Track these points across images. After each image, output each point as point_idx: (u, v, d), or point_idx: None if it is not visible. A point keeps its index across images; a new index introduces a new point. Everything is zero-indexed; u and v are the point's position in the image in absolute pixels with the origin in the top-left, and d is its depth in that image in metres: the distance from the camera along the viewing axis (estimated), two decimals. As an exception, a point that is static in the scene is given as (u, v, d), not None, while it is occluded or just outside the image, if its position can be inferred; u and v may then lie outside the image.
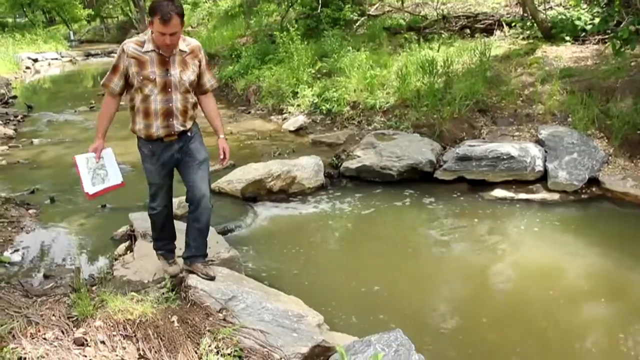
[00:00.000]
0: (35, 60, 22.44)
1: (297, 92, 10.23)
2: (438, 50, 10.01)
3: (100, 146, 3.59)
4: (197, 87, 3.73)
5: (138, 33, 28.82)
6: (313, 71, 10.49)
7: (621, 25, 7.04)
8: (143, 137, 3.64)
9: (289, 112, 9.99)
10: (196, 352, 3.12)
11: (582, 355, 3.85)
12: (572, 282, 4.79)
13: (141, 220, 4.90)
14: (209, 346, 3.13)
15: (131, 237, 4.96)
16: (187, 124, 3.67)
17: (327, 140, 8.36)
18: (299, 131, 9.16)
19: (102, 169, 3.62)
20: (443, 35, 10.86)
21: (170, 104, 3.54)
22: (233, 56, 13.64)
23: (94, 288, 4.02)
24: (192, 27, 22.77)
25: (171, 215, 4.04)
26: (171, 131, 3.60)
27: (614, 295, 4.53)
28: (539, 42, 9.65)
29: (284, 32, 11.57)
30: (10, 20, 37.04)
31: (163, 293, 3.66)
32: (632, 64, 7.94)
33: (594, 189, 6.35)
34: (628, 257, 5.06)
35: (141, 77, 3.45)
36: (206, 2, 24.64)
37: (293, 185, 6.47)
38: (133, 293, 3.64)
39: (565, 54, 8.99)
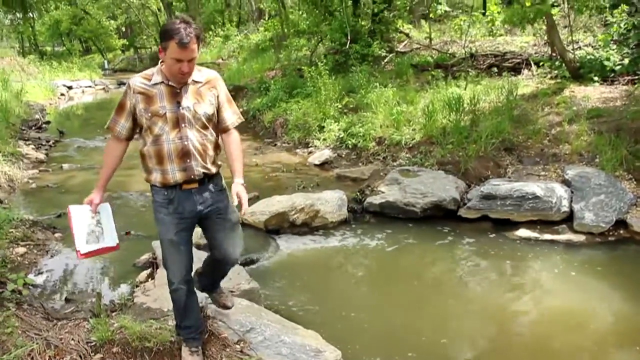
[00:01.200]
0: (70, 88, 23.11)
1: (323, 127, 10.32)
2: (465, 88, 10.06)
3: (98, 199, 3.17)
4: (219, 124, 3.23)
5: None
6: (340, 106, 10.60)
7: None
8: (158, 185, 3.13)
9: (315, 146, 10.07)
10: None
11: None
12: (598, 328, 4.67)
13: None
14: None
15: (153, 264, 5.02)
16: (209, 167, 3.15)
17: (351, 175, 8.38)
18: (324, 165, 9.21)
19: (97, 225, 3.16)
20: (470, 73, 10.91)
21: (186, 142, 3.03)
22: (262, 89, 13.86)
23: (113, 314, 4.06)
24: (222, 59, 23.25)
25: (194, 294, 3.42)
26: (190, 175, 3.08)
27: (637, 341, 4.40)
28: (567, 81, 9.65)
29: (313, 67, 11.73)
30: (49, 48, 38.34)
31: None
32: (662, 105, 7.87)
33: (621, 232, 6.24)
34: (656, 303, 4.94)
35: (149, 114, 2.99)
36: (237, 35, 25.17)
37: (316, 219, 6.48)
38: (152, 321, 3.66)
39: (593, 94, 8.95)
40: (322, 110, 10.63)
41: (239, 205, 3.15)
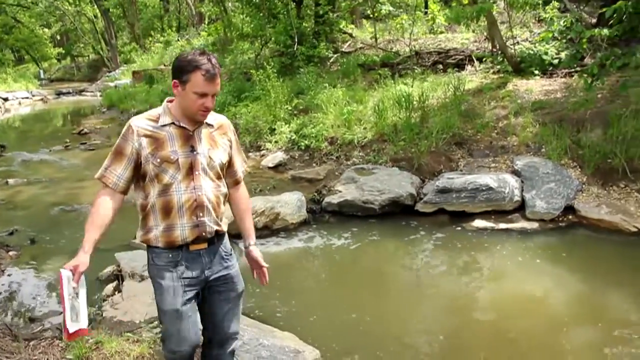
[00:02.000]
0: (6, 100, 22.36)
1: (274, 129, 10.33)
2: (412, 86, 10.26)
3: (84, 266, 2.49)
4: (229, 175, 2.87)
5: (110, 72, 28.95)
6: (290, 108, 10.63)
7: (592, 62, 7.34)
8: (160, 245, 2.65)
9: (267, 149, 10.07)
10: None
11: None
12: (554, 309, 4.89)
13: (128, 260, 4.91)
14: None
15: (118, 277, 4.94)
16: (221, 224, 2.75)
17: (306, 176, 8.43)
18: (278, 167, 9.22)
19: (76, 299, 2.49)
20: (416, 71, 11.15)
21: (200, 193, 2.63)
22: (209, 94, 13.74)
23: (85, 330, 3.98)
24: (165, 66, 22.91)
25: None
26: (202, 232, 2.65)
27: (594, 320, 4.65)
28: (510, 76, 9.98)
29: (260, 70, 11.73)
30: (-23, 59, 36.83)
31: (157, 333, 3.65)
32: (599, 95, 8.25)
33: (570, 217, 6.53)
34: (605, 282, 5.23)
35: (158, 160, 2.57)
36: (178, 40, 24.86)
37: (277, 221, 6.51)
38: (129, 334, 3.63)
39: (535, 87, 9.29)
40: (272, 113, 10.64)
41: (261, 276, 2.95)
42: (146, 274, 3.31)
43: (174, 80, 2.57)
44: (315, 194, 7.44)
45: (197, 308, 2.76)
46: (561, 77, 9.59)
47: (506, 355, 4.23)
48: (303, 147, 9.47)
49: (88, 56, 36.30)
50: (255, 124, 10.74)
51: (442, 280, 5.49)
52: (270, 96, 10.88)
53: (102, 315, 4.22)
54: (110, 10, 31.21)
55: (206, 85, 2.52)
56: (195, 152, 2.62)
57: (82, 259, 2.49)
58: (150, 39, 28.33)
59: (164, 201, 2.61)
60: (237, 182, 2.93)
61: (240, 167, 2.93)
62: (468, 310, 4.94)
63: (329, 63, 13.51)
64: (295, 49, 12.85)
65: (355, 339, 4.38)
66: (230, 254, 2.84)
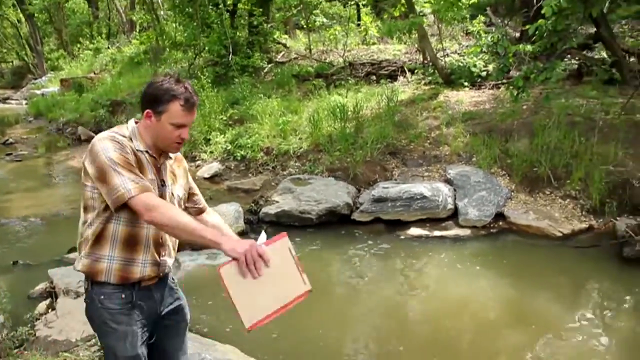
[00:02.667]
0: None
1: (209, 139, 10.25)
2: (346, 96, 10.40)
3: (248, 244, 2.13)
4: (192, 204, 2.66)
5: (36, 79, 27.87)
6: (225, 118, 10.58)
7: (517, 75, 7.68)
8: (113, 282, 2.34)
9: (202, 159, 9.98)
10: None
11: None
12: (485, 312, 5.09)
13: (61, 276, 4.76)
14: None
15: (51, 294, 4.76)
16: (173, 262, 2.60)
17: (243, 187, 8.40)
18: (213, 178, 9.14)
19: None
20: (350, 82, 11.32)
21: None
22: (141, 104, 13.47)
23: (15, 351, 3.82)
24: (95, 73, 22.29)
25: None
26: (161, 271, 2.45)
27: (521, 322, 4.87)
28: (440, 87, 10.29)
29: (194, 80, 11.61)
30: None
31: (95, 351, 3.55)
32: (525, 107, 8.63)
33: (500, 223, 6.77)
34: (532, 285, 5.47)
35: None
36: (109, 48, 24.27)
37: (214, 232, 6.45)
38: (66, 354, 3.51)
39: (465, 98, 9.62)
40: (206, 123, 10.55)
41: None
42: (82, 289, 2.84)
43: (148, 110, 2.33)
44: (252, 205, 7.43)
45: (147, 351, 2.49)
46: (489, 89, 9.97)
47: (440, 357, 4.34)
48: (239, 158, 9.43)
49: (12, 62, 34.80)
50: (190, 135, 10.58)
51: (379, 287, 5.58)
52: (204, 106, 10.78)
53: (34, 334, 4.06)
54: (36, 15, 30.10)
55: (185, 115, 2.33)
56: (164, 187, 2.42)
57: (243, 240, 2.17)
58: (78, 45, 27.46)
59: (130, 233, 2.33)
60: (202, 211, 2.70)
61: (202, 197, 2.73)
62: (404, 315, 5.08)
63: (263, 73, 13.52)
64: (229, 58, 12.79)
65: (296, 348, 4.39)
66: (175, 282, 2.64)
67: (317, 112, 9.52)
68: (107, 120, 13.10)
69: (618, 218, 6.44)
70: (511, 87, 7.26)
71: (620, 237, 6.05)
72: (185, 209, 2.57)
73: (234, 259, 2.09)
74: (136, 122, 2.42)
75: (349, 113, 9.28)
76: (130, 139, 2.34)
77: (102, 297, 2.34)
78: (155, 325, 2.50)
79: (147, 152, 2.37)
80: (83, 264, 2.35)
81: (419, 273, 5.88)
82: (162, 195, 2.37)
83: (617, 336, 4.67)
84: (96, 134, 9.89)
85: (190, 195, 2.64)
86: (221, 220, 2.75)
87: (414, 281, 5.72)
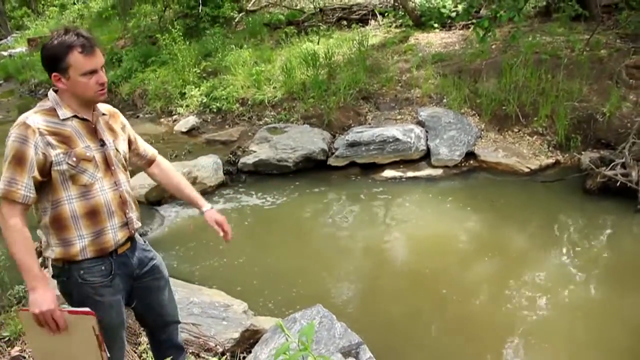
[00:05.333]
0: None
1: (184, 93, 10.26)
2: (318, 43, 10.42)
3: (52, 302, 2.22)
4: (139, 159, 2.70)
5: (0, 39, 27.07)
6: (198, 71, 10.57)
7: (482, 16, 7.77)
8: (90, 256, 2.34)
9: (179, 114, 10.01)
10: (135, 352, 3.27)
11: (476, 305, 4.38)
12: (460, 246, 5.39)
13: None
14: (147, 344, 3.28)
15: (41, 253, 4.88)
16: (139, 217, 2.58)
17: (220, 139, 8.52)
18: (191, 131, 9.23)
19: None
20: (321, 28, 11.30)
21: (122, 189, 2.43)
22: (113, 60, 13.33)
23: (13, 308, 3.98)
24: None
25: None
26: (131, 230, 2.48)
27: (494, 252, 5.19)
28: (411, 30, 10.33)
29: (166, 34, 11.51)
30: None
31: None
32: (493, 47, 8.76)
33: (471, 162, 7.01)
34: (503, 219, 5.79)
35: (74, 159, 2.26)
36: (75, 4, 23.70)
37: (195, 185, 6.60)
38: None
39: (435, 40, 9.70)
40: (181, 77, 10.54)
41: (225, 233, 2.77)
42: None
43: (54, 74, 2.25)
44: (231, 156, 7.57)
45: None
46: (459, 30, 10.05)
47: (421, 290, 4.64)
48: (215, 110, 9.49)
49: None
50: (165, 89, 10.62)
51: (358, 228, 5.84)
52: (178, 60, 10.75)
53: (27, 292, 4.21)
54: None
55: (89, 60, 2.24)
56: (105, 146, 2.39)
57: (48, 298, 2.21)
58: (43, 2, 26.76)
59: (87, 205, 2.32)
60: (152, 161, 2.74)
61: (149, 147, 2.74)
62: (382, 253, 5.36)
63: (234, 23, 13.40)
64: (199, 10, 12.65)
65: (278, 290, 4.64)
66: (146, 243, 2.67)
67: (290, 60, 9.56)
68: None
69: (582, 152, 6.71)
70: (478, 28, 7.37)
71: (584, 170, 6.34)
72: (135, 164, 2.66)
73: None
74: (55, 90, 2.34)
75: (321, 60, 9.34)
76: (54, 110, 2.29)
77: (81, 272, 2.34)
78: (134, 288, 2.55)
79: (75, 117, 2.32)
80: (57, 253, 2.33)
81: (395, 213, 6.12)
82: (104, 157, 2.37)
83: (581, 261, 5.01)
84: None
85: (134, 150, 2.65)
86: (172, 168, 2.81)
87: (390, 221, 5.98)
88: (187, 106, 10.04)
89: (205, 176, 6.72)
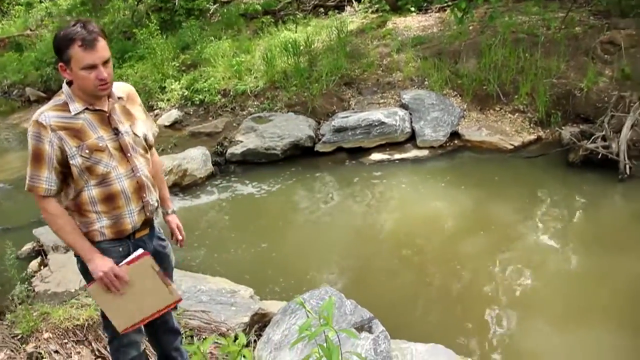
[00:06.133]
0: None
1: (164, 87, 10.21)
2: (296, 31, 10.46)
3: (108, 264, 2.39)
4: None
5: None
6: (177, 64, 10.54)
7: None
8: (108, 238, 2.45)
9: (160, 108, 9.96)
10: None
11: (470, 277, 4.55)
12: (448, 223, 5.56)
13: (47, 234, 4.92)
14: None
15: (40, 252, 4.92)
16: (157, 199, 2.63)
17: (205, 130, 8.53)
18: (174, 125, 9.19)
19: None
20: (298, 16, 11.34)
21: (139, 174, 2.48)
22: (88, 58, 13.20)
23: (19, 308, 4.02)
24: (31, 30, 21.50)
25: None
26: (147, 212, 2.53)
27: (481, 228, 5.36)
28: (388, 14, 10.43)
29: (143, 28, 11.44)
30: None
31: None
32: (471, 27, 8.90)
33: (456, 142, 7.16)
34: (489, 195, 5.97)
35: (87, 151, 2.33)
36: (42, 2, 23.31)
37: (185, 177, 6.66)
38: (74, 300, 3.74)
39: (412, 23, 9.82)
40: (160, 71, 10.48)
41: (178, 240, 2.83)
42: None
43: (60, 64, 2.31)
44: (218, 147, 7.62)
45: None
46: (436, 12, 10.17)
47: (408, 266, 4.81)
48: (197, 102, 9.48)
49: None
50: (144, 84, 10.54)
51: (349, 210, 5.97)
52: (156, 54, 10.70)
53: (34, 290, 4.25)
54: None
55: (88, 55, 2.24)
56: (120, 134, 2.44)
57: (106, 262, 2.37)
58: (7, 1, 26.25)
59: (105, 192, 2.40)
60: (149, 148, 2.70)
61: (151, 131, 2.70)
62: (373, 233, 5.51)
63: (209, 15, 13.35)
64: (174, 3, 12.59)
65: (280, 274, 4.74)
66: (160, 230, 2.74)
67: (270, 49, 9.59)
68: (55, 78, 12.81)
69: (563, 127, 6.89)
70: (455, 10, 7.49)
71: (566, 145, 6.53)
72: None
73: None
74: (69, 82, 2.39)
75: (301, 48, 9.39)
76: (67, 105, 2.35)
77: (91, 256, 2.40)
78: None
79: (87, 109, 2.36)
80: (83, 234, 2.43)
81: (383, 194, 6.24)
82: (120, 145, 2.42)
83: (567, 231, 5.20)
84: (45, 93, 9.68)
85: None
86: (160, 165, 2.87)
87: (379, 202, 6.10)
88: (168, 100, 9.99)
89: (194, 168, 6.76)
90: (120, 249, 2.47)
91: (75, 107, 2.35)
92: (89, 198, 2.39)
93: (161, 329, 2.86)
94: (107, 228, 2.43)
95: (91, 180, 2.37)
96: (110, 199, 2.41)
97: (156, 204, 2.60)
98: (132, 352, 2.63)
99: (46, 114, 2.31)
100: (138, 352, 2.67)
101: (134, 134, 2.49)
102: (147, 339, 2.87)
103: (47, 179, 2.32)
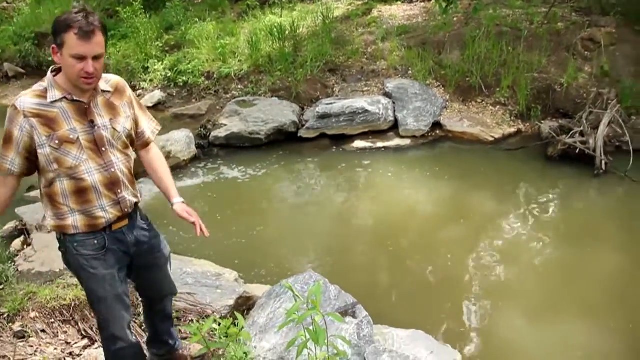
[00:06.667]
0: None
1: (147, 67, 10.15)
2: (281, 16, 10.45)
3: None
4: (135, 138, 2.63)
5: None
6: (161, 45, 10.46)
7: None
8: (82, 231, 2.44)
9: (143, 88, 9.91)
10: (136, 322, 3.39)
11: (449, 265, 4.67)
12: (428, 211, 5.71)
13: (31, 213, 4.91)
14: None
15: (23, 231, 4.89)
16: (137, 194, 2.61)
17: (188, 113, 8.53)
18: (157, 106, 9.16)
19: None
20: (284, 0, 11.30)
21: (113, 170, 2.44)
22: (69, 35, 13.01)
23: (1, 287, 4.01)
24: (8, 3, 21.05)
25: (142, 350, 2.88)
26: (123, 208, 2.50)
27: (461, 217, 5.50)
28: (374, 2, 10.46)
29: (126, 7, 11.31)
30: None
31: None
32: (455, 19, 8.99)
33: (438, 132, 7.28)
34: (469, 186, 6.11)
35: (57, 142, 2.30)
36: (21, -26, 22.81)
37: (169, 159, 6.61)
38: (60, 280, 3.76)
39: (397, 12, 9.88)
40: (143, 51, 10.40)
41: (197, 228, 2.73)
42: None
43: (53, 46, 2.28)
44: (201, 130, 7.63)
45: (127, 290, 2.66)
46: (421, 2, 10.24)
47: (390, 253, 4.91)
48: (181, 84, 9.45)
49: None
50: (127, 64, 10.47)
51: (329, 197, 6.07)
52: (139, 34, 10.60)
53: (17, 270, 4.24)
54: None
55: (81, 45, 2.20)
56: (96, 127, 2.38)
57: None
58: (-15, -27, 25.63)
59: (75, 185, 2.38)
60: (147, 144, 2.72)
61: (148, 127, 2.69)
62: (355, 220, 5.63)
63: (193, -5, 13.24)
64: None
65: (264, 258, 4.81)
66: (148, 222, 2.72)
67: (255, 33, 9.57)
68: (34, 54, 12.61)
69: (542, 121, 7.04)
70: (440, 0, 7.57)
71: (545, 139, 6.68)
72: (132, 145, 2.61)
73: None
74: (54, 73, 2.38)
75: (286, 32, 9.40)
76: (46, 91, 2.32)
77: (75, 244, 2.45)
78: (134, 264, 2.65)
79: (65, 98, 2.33)
80: (52, 225, 2.48)
81: (365, 182, 6.35)
82: (95, 138, 2.38)
83: (544, 223, 5.35)
84: (24, 69, 9.54)
85: (136, 125, 2.60)
86: (161, 157, 2.82)
87: (361, 190, 6.21)
88: (151, 80, 9.94)
89: (178, 150, 6.77)
90: (96, 242, 2.47)
91: (54, 94, 2.32)
92: (60, 190, 2.38)
93: (159, 315, 2.95)
94: (80, 221, 2.42)
95: (60, 173, 2.36)
96: (80, 192, 2.39)
97: (135, 200, 2.57)
98: (122, 343, 2.61)
99: (23, 99, 2.30)
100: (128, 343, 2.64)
101: (113, 128, 2.44)
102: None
103: (11, 161, 2.33)
